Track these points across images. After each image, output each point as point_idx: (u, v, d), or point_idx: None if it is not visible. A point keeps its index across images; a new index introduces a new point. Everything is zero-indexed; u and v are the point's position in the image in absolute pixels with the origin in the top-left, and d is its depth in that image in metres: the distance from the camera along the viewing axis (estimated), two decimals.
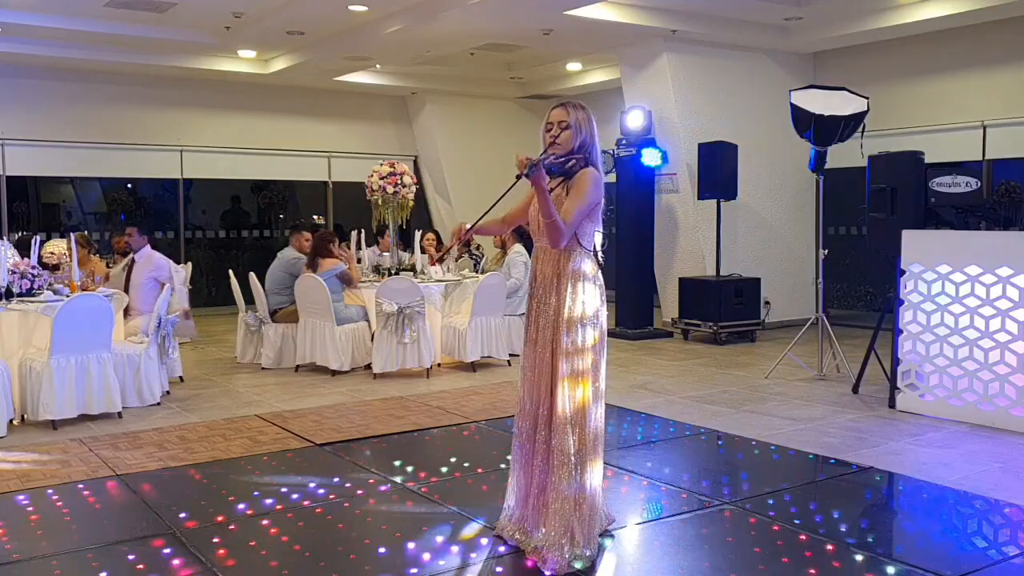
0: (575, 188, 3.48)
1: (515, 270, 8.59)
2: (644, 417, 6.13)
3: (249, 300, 8.47)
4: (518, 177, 3.27)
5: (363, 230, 9.04)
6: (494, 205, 3.62)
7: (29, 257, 6.70)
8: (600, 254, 3.65)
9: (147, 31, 10.18)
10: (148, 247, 7.81)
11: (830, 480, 4.73)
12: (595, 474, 3.55)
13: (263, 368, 8.07)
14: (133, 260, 7.73)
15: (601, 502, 3.70)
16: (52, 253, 7.70)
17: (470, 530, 3.91)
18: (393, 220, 8.58)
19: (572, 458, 3.45)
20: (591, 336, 3.51)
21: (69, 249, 7.01)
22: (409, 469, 4.86)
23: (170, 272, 7.68)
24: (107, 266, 8.01)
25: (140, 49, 10.80)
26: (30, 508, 4.28)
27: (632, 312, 10.08)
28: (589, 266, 3.55)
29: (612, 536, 3.80)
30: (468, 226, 3.82)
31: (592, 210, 3.50)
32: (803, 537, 3.80)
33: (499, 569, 3.52)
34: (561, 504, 3.44)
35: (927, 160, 7.04)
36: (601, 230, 3.65)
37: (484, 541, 3.77)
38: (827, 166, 7.56)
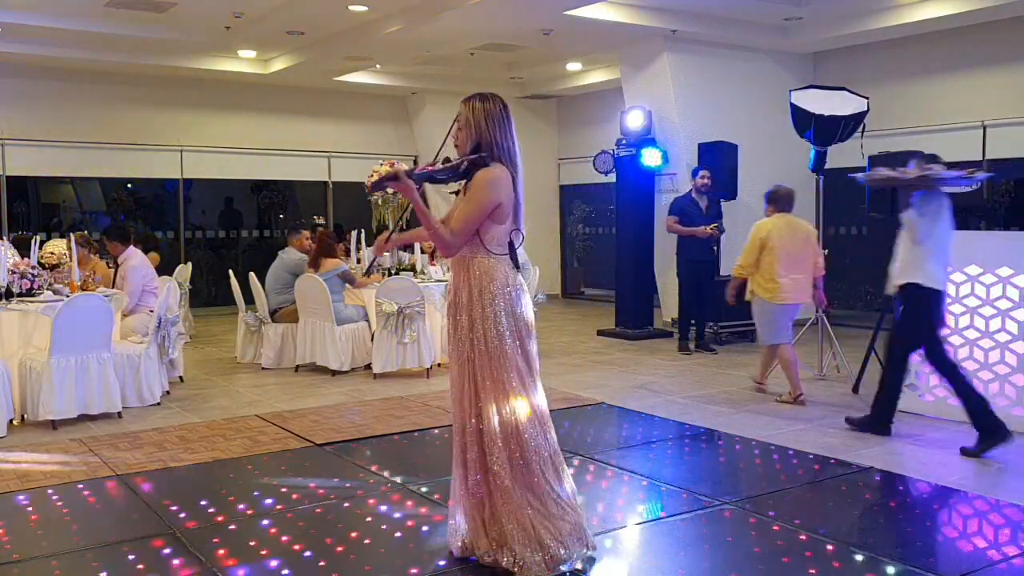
0: (468, 193, 3.32)
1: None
2: (644, 417, 6.13)
3: (249, 300, 8.47)
4: (367, 195, 3.20)
5: (363, 230, 9.04)
6: (396, 226, 3.48)
7: (29, 257, 6.70)
8: (521, 255, 3.44)
9: (147, 31, 10.19)
10: (131, 249, 7.52)
11: (830, 480, 4.73)
12: (542, 480, 3.34)
13: (263, 368, 8.07)
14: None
15: (563, 498, 3.42)
16: (52, 253, 7.69)
17: None
18: (393, 220, 8.58)
19: (509, 475, 3.28)
20: (509, 346, 3.31)
21: (69, 249, 7.00)
22: (409, 469, 4.86)
23: (139, 285, 7.30)
24: (108, 266, 7.98)
25: (140, 49, 10.80)
26: (30, 508, 4.28)
27: (632, 312, 10.08)
28: (500, 272, 3.34)
29: (610, 536, 3.79)
30: (387, 236, 3.68)
31: (492, 212, 3.28)
32: (803, 537, 3.80)
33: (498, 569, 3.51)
34: (515, 522, 3.27)
35: None
36: (520, 229, 3.40)
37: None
38: (827, 166, 7.56)
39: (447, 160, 3.36)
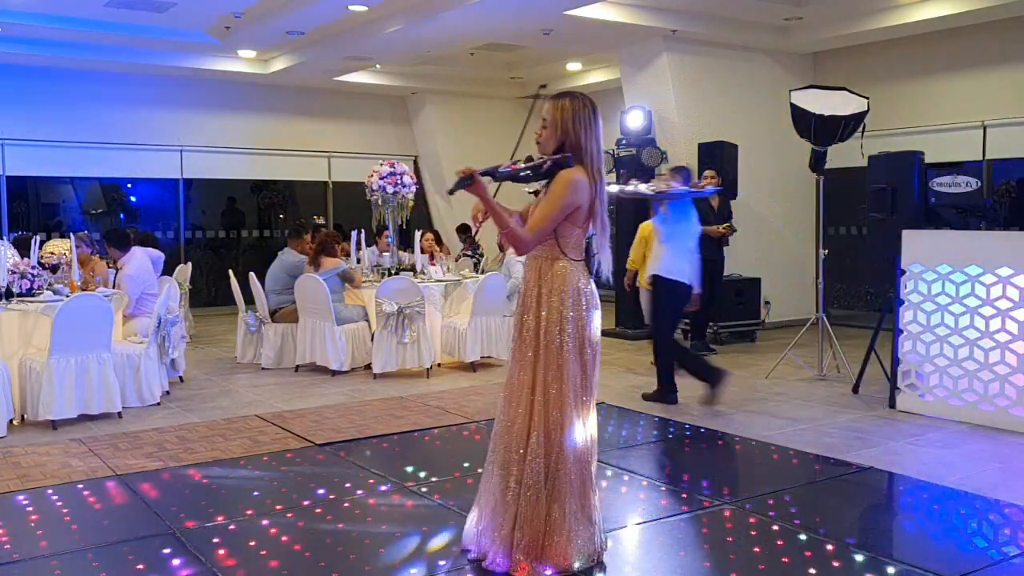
0: (547, 192, 3.28)
1: (514, 270, 8.58)
2: (644, 417, 6.12)
3: (249, 300, 8.47)
4: (449, 192, 3.14)
5: (363, 230, 9.04)
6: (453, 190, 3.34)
7: (29, 257, 6.70)
8: (597, 261, 3.41)
9: (147, 31, 10.19)
10: (129, 254, 7.39)
11: (830, 480, 4.73)
12: (576, 493, 3.30)
13: (263, 368, 8.07)
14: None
15: (590, 515, 3.38)
16: (52, 253, 7.69)
17: None
18: (393, 220, 8.59)
19: (544, 484, 3.25)
20: (569, 354, 3.26)
21: (70, 249, 7.00)
22: (409, 469, 4.86)
23: (135, 293, 7.18)
24: (108, 266, 7.96)
25: (140, 49, 10.79)
26: (30, 508, 4.28)
27: (632, 312, 10.06)
28: (573, 276, 3.29)
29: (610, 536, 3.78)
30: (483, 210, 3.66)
31: (572, 215, 3.25)
32: (803, 537, 3.80)
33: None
34: (540, 530, 3.27)
35: (927, 160, 7.05)
36: (603, 235, 3.37)
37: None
38: (827, 166, 7.56)
39: (529, 158, 3.32)
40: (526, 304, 3.36)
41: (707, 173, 8.76)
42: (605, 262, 3.44)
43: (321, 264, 7.80)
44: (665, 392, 6.51)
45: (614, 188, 6.51)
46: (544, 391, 3.29)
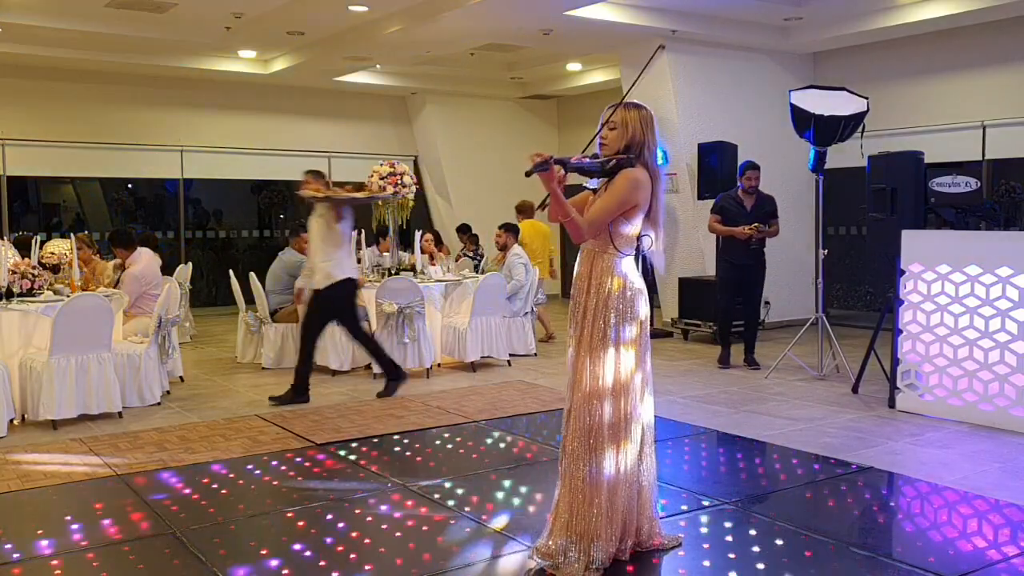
0: (609, 188, 3.42)
1: (515, 271, 8.59)
2: None
3: (249, 300, 8.47)
4: (527, 174, 3.21)
5: (363, 230, 9.04)
6: (543, 203, 3.46)
7: (29, 257, 6.70)
8: (649, 261, 3.53)
9: (147, 31, 10.19)
10: (136, 253, 7.44)
11: (830, 480, 4.73)
12: (605, 483, 3.36)
13: (263, 368, 8.07)
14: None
15: (624, 505, 3.45)
16: (52, 253, 7.70)
17: (470, 530, 3.91)
18: (393, 220, 8.58)
19: (584, 471, 3.34)
20: (611, 345, 3.36)
21: (71, 249, 7.00)
22: (409, 469, 4.86)
23: (135, 291, 7.22)
24: (117, 268, 7.95)
25: (140, 49, 10.80)
26: (30, 508, 4.28)
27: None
28: (622, 269, 3.42)
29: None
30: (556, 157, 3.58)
31: (627, 211, 3.37)
32: (803, 537, 3.80)
33: (500, 570, 3.52)
34: (574, 516, 3.34)
35: (927, 160, 7.03)
36: (656, 235, 3.49)
37: (484, 540, 3.77)
38: (827, 166, 7.56)
39: (595, 155, 3.47)
40: (577, 293, 3.50)
41: (748, 173, 7.85)
42: (659, 262, 3.60)
43: None
44: (298, 393, 6.62)
45: (310, 192, 6.73)
46: (585, 377, 3.40)
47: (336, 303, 6.65)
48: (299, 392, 6.63)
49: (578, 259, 3.55)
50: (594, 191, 3.54)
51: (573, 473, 3.38)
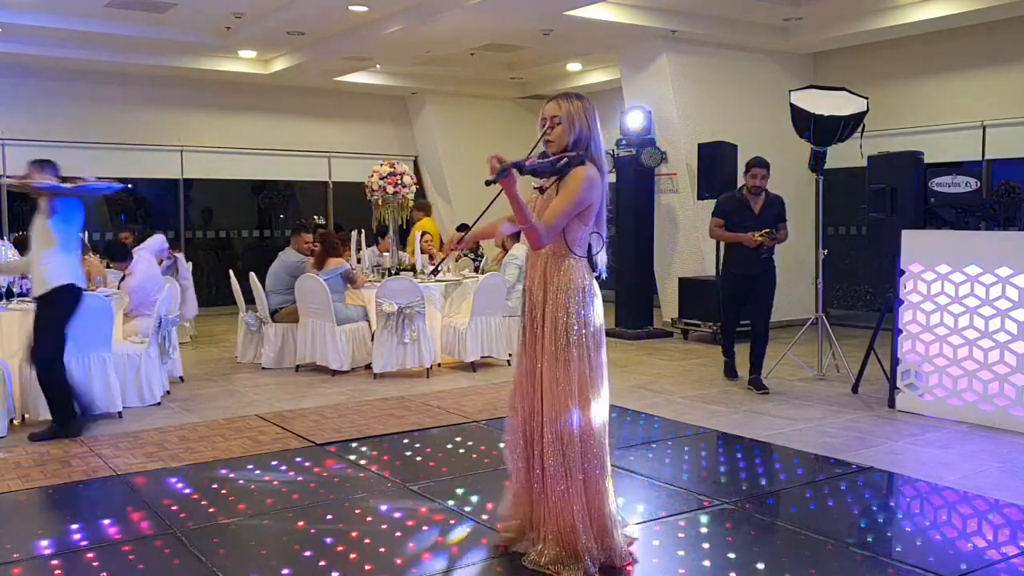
0: (563, 188, 3.29)
1: (507, 271, 8.57)
2: (644, 417, 6.13)
3: (249, 300, 8.48)
4: (488, 183, 3.11)
5: (363, 230, 9.05)
6: (482, 215, 3.44)
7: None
8: (598, 261, 3.43)
9: (147, 31, 10.18)
10: (134, 262, 7.40)
11: (830, 480, 4.73)
12: (585, 488, 3.35)
13: (263, 368, 8.07)
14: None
15: (611, 511, 3.46)
16: None
17: (470, 530, 3.91)
18: (393, 220, 8.59)
19: (563, 478, 3.30)
20: (574, 350, 3.30)
21: None
22: (409, 469, 4.86)
23: (137, 300, 7.16)
24: (107, 267, 7.95)
25: (140, 49, 10.80)
26: (30, 508, 4.28)
27: (632, 312, 10.09)
28: (578, 274, 3.33)
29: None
30: (458, 240, 3.65)
31: (583, 212, 3.28)
32: (803, 537, 3.80)
33: (499, 569, 3.52)
34: (561, 524, 3.32)
35: (927, 160, 7.05)
36: (602, 234, 3.41)
37: (484, 541, 3.77)
38: (827, 166, 7.56)
39: (544, 155, 3.37)
40: (532, 301, 3.40)
41: (753, 171, 7.08)
42: (602, 260, 3.48)
43: (325, 264, 7.80)
44: (65, 425, 5.60)
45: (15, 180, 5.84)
46: (546, 384, 3.32)
47: (54, 310, 5.55)
48: (63, 422, 5.61)
49: (528, 266, 3.45)
50: (540, 190, 3.44)
51: (553, 487, 3.31)
